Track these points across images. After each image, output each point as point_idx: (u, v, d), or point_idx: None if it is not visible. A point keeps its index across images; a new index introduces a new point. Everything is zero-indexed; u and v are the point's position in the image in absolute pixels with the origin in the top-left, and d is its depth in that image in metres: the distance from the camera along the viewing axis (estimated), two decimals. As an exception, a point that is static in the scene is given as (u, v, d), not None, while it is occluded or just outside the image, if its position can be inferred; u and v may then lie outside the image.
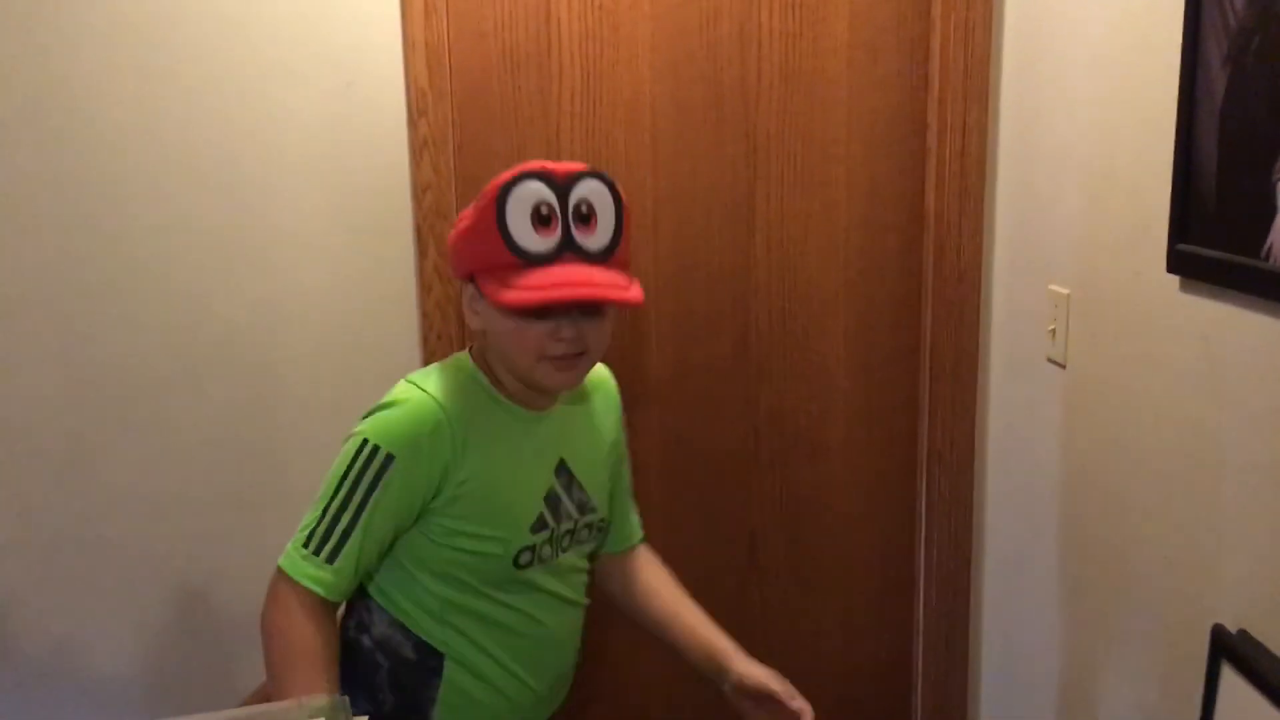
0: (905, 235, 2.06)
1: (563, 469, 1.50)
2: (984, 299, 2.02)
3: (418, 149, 1.87)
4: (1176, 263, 1.37)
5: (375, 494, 1.37)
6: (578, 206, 1.34)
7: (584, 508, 1.53)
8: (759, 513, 2.16)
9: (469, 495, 1.40)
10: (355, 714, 1.24)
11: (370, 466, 1.37)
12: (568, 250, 1.33)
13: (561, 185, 1.33)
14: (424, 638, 1.45)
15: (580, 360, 1.41)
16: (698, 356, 2.08)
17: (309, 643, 1.36)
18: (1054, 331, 1.76)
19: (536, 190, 1.32)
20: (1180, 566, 1.42)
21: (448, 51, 1.87)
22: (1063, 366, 1.74)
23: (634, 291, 1.36)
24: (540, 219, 1.32)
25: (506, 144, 1.94)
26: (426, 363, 1.94)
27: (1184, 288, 1.38)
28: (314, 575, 1.37)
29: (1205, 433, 1.35)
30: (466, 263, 1.40)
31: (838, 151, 2.02)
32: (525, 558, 1.45)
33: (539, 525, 1.46)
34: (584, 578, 1.59)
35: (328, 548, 1.37)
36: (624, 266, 1.40)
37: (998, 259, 1.99)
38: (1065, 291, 1.72)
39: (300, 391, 1.93)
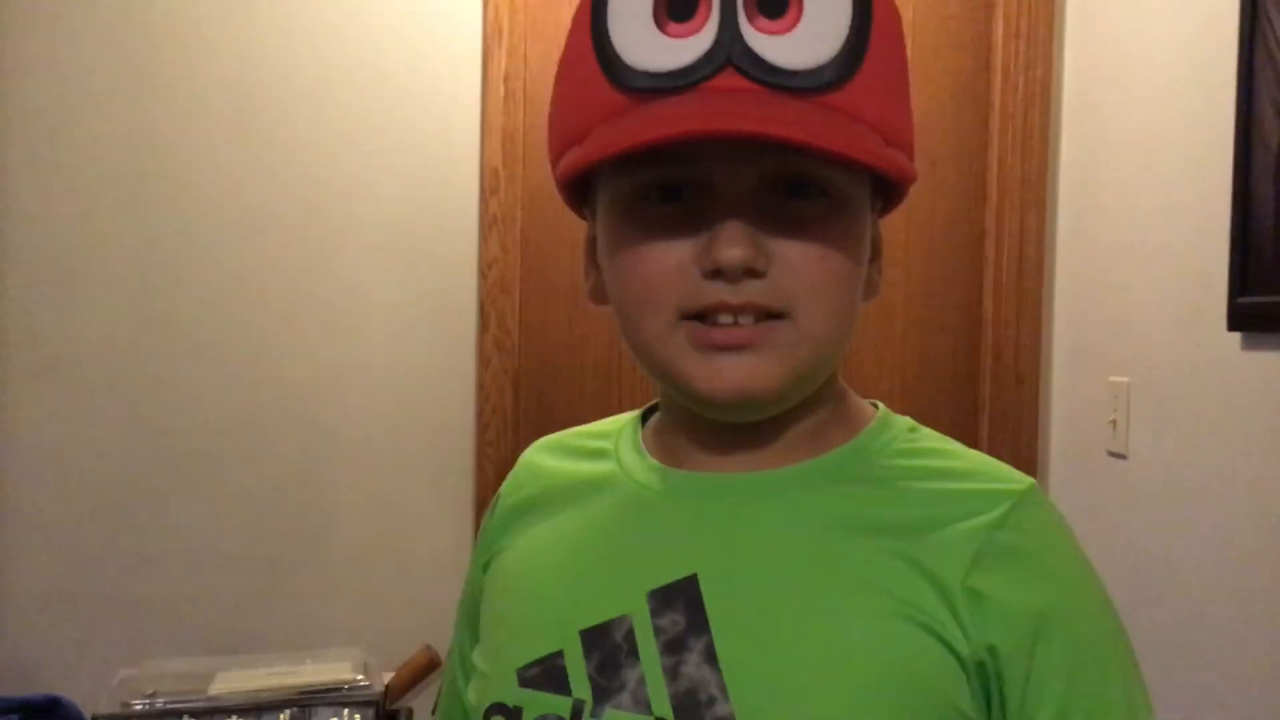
0: (963, 339, 2.06)
1: (681, 595, 0.68)
2: (1043, 400, 2.00)
3: (487, 226, 1.94)
4: (1237, 318, 1.36)
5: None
6: None
7: (687, 697, 0.65)
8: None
9: (487, 595, 0.81)
10: None
11: None
12: (727, 61, 0.64)
13: None
14: None
15: (770, 331, 0.67)
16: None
17: None
18: (1114, 423, 1.73)
19: None
20: (1263, 644, 1.34)
21: (522, 137, 1.96)
22: (1124, 458, 1.70)
23: (876, 151, 0.66)
24: (673, 6, 0.65)
25: (571, 227, 1.99)
26: (480, 435, 1.95)
27: (1246, 344, 1.37)
28: None
29: (1277, 492, 1.30)
30: (557, 148, 0.73)
31: (896, 255, 2.05)
32: None
33: (546, 675, 0.70)
34: None
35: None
36: (870, 118, 0.66)
37: (1057, 359, 1.98)
38: (1125, 380, 1.70)
39: (353, 455, 1.94)
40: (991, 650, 0.65)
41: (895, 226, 2.04)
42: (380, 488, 1.94)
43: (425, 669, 1.89)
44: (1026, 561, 0.68)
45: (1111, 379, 1.74)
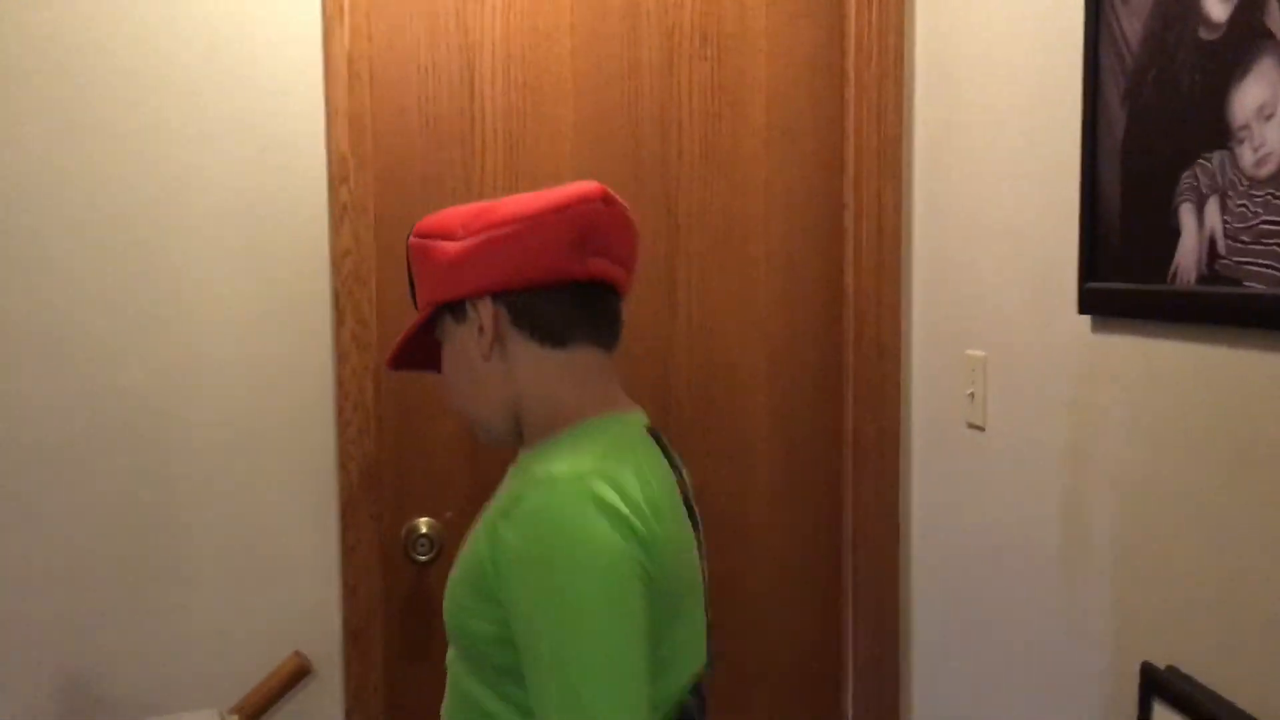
0: (825, 312, 2.08)
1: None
2: (904, 372, 2.04)
3: (338, 215, 1.86)
4: (1087, 302, 1.40)
5: None
6: None
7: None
8: (683, 600, 2.10)
9: None
10: None
11: None
12: None
13: None
14: None
15: None
16: (619, 435, 2.05)
17: None
18: (973, 395, 1.77)
19: None
20: (1106, 608, 1.40)
21: (369, 122, 1.88)
22: (982, 429, 1.75)
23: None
24: None
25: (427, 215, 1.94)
26: (341, 432, 1.89)
27: (1095, 327, 1.40)
28: None
29: (1126, 469, 1.35)
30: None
31: (757, 229, 2.05)
32: None
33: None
34: (459, 680, 1.22)
35: None
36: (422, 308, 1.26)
37: (916, 331, 2.02)
38: (982, 354, 1.74)
39: (207, 460, 1.85)
40: (494, 563, 1.09)
41: (755, 202, 2.04)
42: (239, 492, 1.86)
43: (295, 676, 1.84)
44: (519, 522, 1.07)
45: (969, 352, 1.78)
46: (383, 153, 1.91)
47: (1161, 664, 1.27)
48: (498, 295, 1.18)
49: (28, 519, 1.80)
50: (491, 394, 1.22)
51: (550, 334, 1.20)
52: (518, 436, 1.25)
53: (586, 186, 1.19)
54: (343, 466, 1.88)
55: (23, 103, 1.76)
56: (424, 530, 1.95)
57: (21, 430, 1.79)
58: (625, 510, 1.07)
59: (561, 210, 1.16)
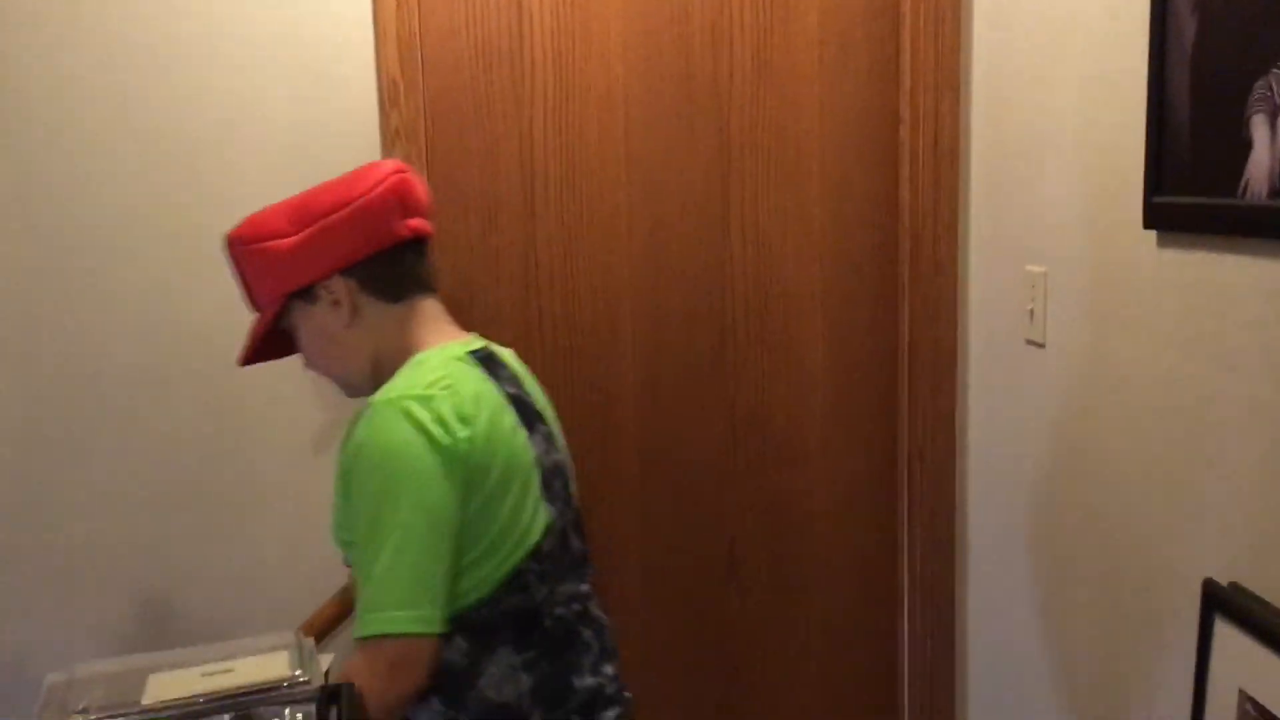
0: (881, 230, 2.05)
1: None
2: (961, 289, 2.01)
3: (389, 139, 1.86)
4: (1153, 216, 1.36)
5: None
6: None
7: None
8: (738, 519, 2.12)
9: None
10: None
11: None
12: None
13: None
14: None
15: None
16: (673, 358, 2.06)
17: None
18: (1032, 312, 1.75)
19: None
20: (1168, 526, 1.39)
21: (419, 45, 1.87)
22: (1042, 346, 1.73)
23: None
24: None
25: (479, 138, 1.93)
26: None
27: (1161, 242, 1.37)
28: None
29: (1188, 386, 1.33)
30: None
31: (811, 147, 2.02)
32: None
33: None
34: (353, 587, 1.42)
35: None
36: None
37: (974, 247, 1.99)
38: (1041, 270, 1.71)
39: (273, 389, 1.89)
40: (340, 478, 1.37)
41: (809, 118, 2.01)
42: (303, 423, 1.90)
43: (362, 595, 1.88)
44: (352, 441, 1.34)
45: (1029, 268, 1.75)
46: (432, 76, 1.89)
47: (1224, 580, 1.26)
48: (346, 270, 1.40)
49: (106, 448, 1.85)
50: (354, 356, 1.44)
51: (393, 291, 1.43)
52: (377, 384, 1.42)
53: (388, 162, 1.44)
54: (401, 391, 1.91)
55: (87, 42, 1.77)
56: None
57: (97, 363, 1.83)
58: (428, 422, 1.30)
59: (382, 184, 1.39)
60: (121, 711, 0.90)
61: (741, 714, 2.17)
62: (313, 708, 0.92)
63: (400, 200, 1.40)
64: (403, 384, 1.35)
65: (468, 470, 1.33)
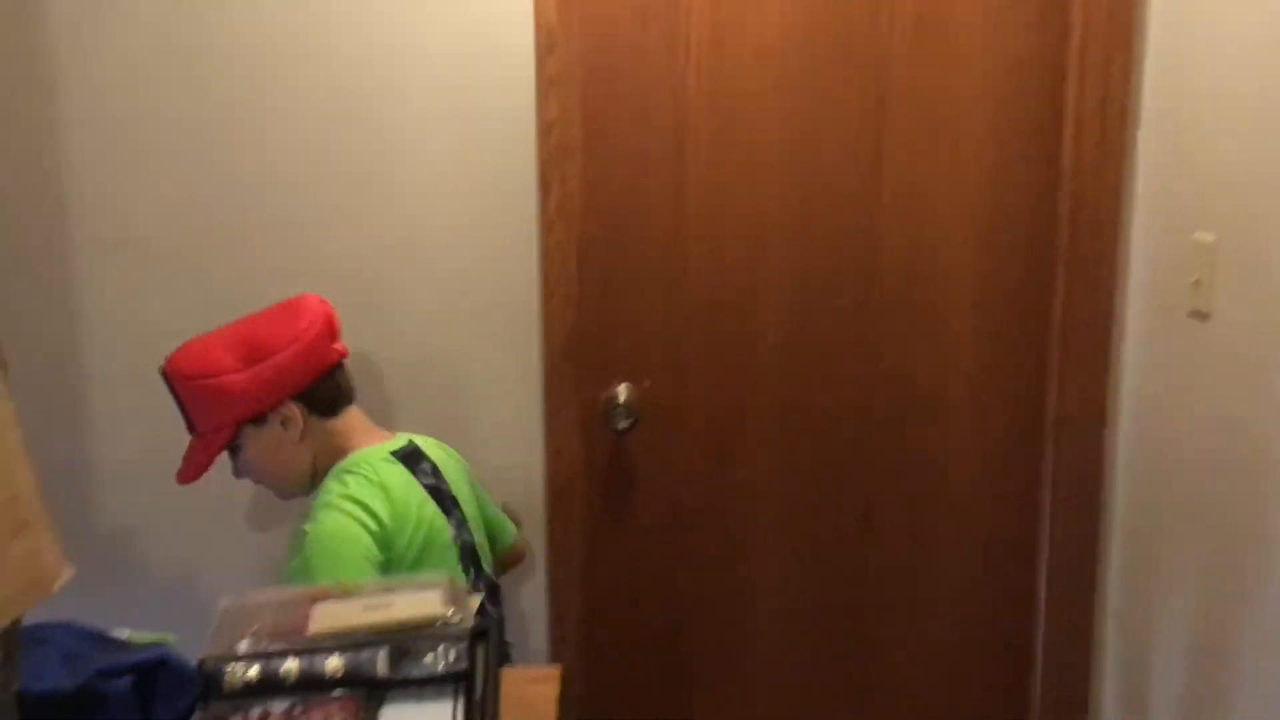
0: (1039, 189, 1.99)
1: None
2: (1122, 254, 1.94)
3: (545, 87, 1.88)
4: (1341, 188, 1.29)
5: None
6: None
7: None
8: (875, 476, 2.11)
9: None
10: None
11: None
12: None
13: None
14: None
15: None
16: (816, 312, 2.04)
17: None
18: (1198, 282, 1.67)
19: None
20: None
21: (576, -8, 1.88)
22: (1207, 318, 1.66)
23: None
24: None
25: (632, 88, 1.94)
26: (545, 303, 1.95)
27: (1349, 215, 1.30)
28: None
29: (1369, 369, 1.27)
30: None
31: (969, 102, 1.96)
32: None
33: None
34: None
35: None
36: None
37: (1138, 211, 1.91)
38: (1211, 238, 1.64)
39: (419, 325, 1.95)
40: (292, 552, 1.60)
41: (971, 72, 1.95)
42: (446, 357, 1.96)
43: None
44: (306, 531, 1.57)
45: (1196, 236, 1.68)
46: (589, 24, 1.90)
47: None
48: (295, 396, 1.63)
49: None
50: (298, 468, 1.68)
51: (329, 408, 1.67)
52: (313, 487, 1.68)
53: (310, 297, 1.67)
54: (546, 335, 1.95)
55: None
56: (621, 400, 2.01)
57: (250, 294, 1.91)
58: (360, 513, 1.56)
59: (317, 318, 1.64)
60: (290, 643, 0.96)
61: (867, 666, 2.17)
62: (464, 645, 0.97)
63: (329, 328, 1.66)
64: (337, 485, 1.60)
65: (386, 546, 1.57)
